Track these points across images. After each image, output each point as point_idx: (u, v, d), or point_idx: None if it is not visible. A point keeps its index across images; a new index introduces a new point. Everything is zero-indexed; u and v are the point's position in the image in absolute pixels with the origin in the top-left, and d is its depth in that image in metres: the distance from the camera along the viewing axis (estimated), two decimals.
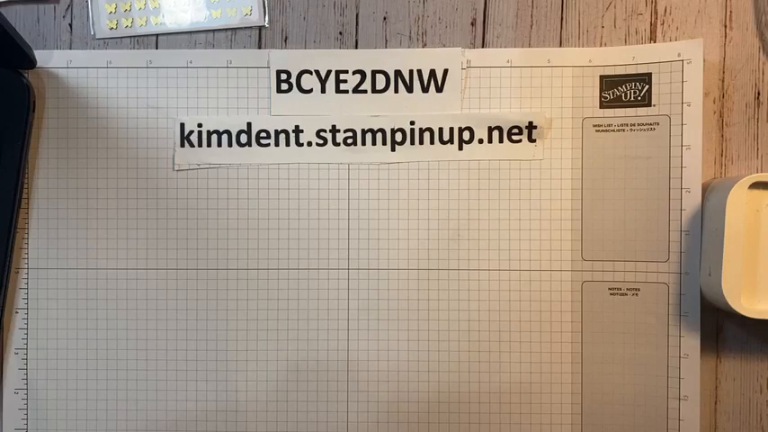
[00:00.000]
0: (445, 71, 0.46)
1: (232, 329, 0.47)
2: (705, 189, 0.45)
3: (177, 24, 0.47)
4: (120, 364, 0.47)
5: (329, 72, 0.47)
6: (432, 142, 0.46)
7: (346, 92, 0.47)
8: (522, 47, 0.47)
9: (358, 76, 0.47)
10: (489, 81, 0.46)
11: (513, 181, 0.46)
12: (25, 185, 0.46)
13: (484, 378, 0.46)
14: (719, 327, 0.46)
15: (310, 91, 0.47)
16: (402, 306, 0.47)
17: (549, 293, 0.46)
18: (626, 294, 0.46)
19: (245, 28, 0.47)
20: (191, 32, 0.48)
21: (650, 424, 0.46)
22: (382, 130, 0.47)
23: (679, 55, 0.45)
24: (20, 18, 0.48)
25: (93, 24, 0.47)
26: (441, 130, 0.46)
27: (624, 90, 0.46)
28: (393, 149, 0.47)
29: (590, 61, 0.46)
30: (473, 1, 0.47)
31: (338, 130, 0.47)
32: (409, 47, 0.47)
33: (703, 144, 0.45)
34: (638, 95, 0.45)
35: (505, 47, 0.47)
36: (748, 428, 0.46)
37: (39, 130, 0.47)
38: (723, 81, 0.46)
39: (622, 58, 0.46)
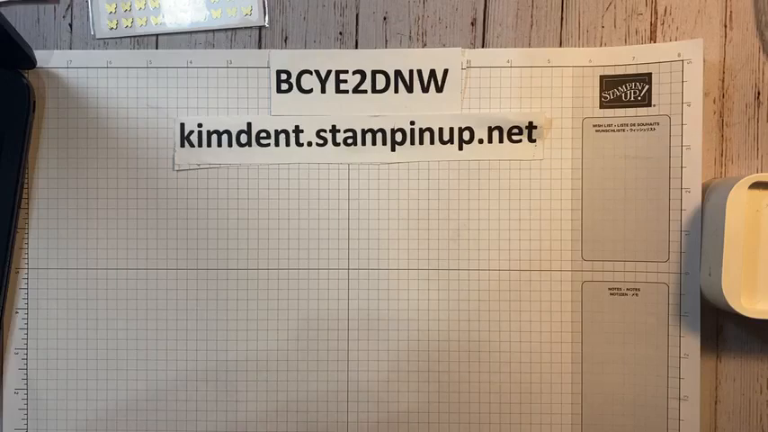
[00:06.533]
0: (445, 71, 0.46)
1: (232, 329, 0.47)
2: (705, 189, 0.45)
3: (177, 24, 0.47)
4: (120, 364, 0.47)
5: (329, 72, 0.47)
6: (432, 142, 0.46)
7: (346, 92, 0.47)
8: (522, 47, 0.47)
9: (358, 76, 0.47)
10: (489, 81, 0.46)
11: (513, 181, 0.46)
12: (25, 185, 0.46)
13: (484, 378, 0.46)
14: (719, 327, 0.46)
15: (310, 91, 0.47)
16: (402, 306, 0.47)
17: (549, 293, 0.46)
18: (626, 294, 0.46)
19: (245, 28, 0.47)
20: (191, 32, 0.48)
21: (650, 424, 0.46)
22: (382, 130, 0.47)
23: (679, 55, 0.45)
24: (20, 18, 0.48)
25: (93, 24, 0.47)
26: (441, 130, 0.46)
27: (624, 90, 0.46)
28: (393, 149, 0.47)
29: (590, 61, 0.46)
30: (473, 1, 0.47)
31: (338, 130, 0.47)
32: (409, 47, 0.47)
33: (703, 144, 0.45)
34: (638, 95, 0.45)
35: (505, 47, 0.47)
36: (748, 428, 0.46)
37: (39, 130, 0.47)
38: (723, 81, 0.46)
39: (622, 58, 0.46)
